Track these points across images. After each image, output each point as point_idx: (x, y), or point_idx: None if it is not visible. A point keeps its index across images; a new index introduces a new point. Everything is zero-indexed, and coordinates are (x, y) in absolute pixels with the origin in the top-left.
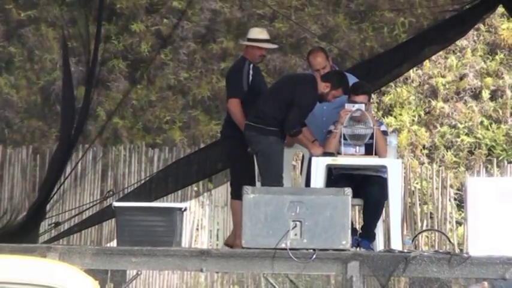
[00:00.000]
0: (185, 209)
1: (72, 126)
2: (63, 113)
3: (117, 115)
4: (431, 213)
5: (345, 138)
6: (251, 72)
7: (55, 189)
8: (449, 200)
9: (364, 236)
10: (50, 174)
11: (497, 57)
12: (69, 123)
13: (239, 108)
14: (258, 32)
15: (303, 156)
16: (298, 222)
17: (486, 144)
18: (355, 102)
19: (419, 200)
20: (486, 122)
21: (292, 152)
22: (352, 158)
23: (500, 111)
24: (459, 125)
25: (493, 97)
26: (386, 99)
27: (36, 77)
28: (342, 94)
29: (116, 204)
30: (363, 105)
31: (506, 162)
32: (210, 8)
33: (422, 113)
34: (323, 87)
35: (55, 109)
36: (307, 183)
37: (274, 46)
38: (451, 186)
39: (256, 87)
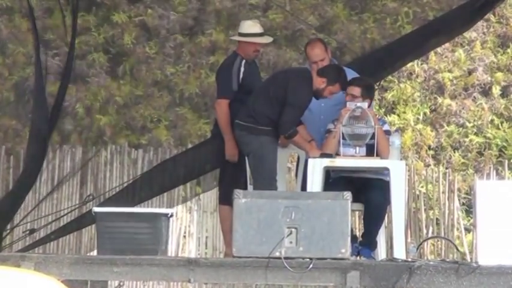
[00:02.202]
0: (171, 215)
1: (45, 125)
2: (34, 111)
3: (99, 113)
4: (437, 219)
5: (344, 138)
6: (242, 69)
7: (27, 195)
8: (457, 205)
9: (365, 243)
10: (23, 180)
11: (508, 50)
12: (41, 122)
13: (225, 110)
14: (250, 26)
15: (298, 157)
16: (293, 229)
17: (497, 145)
18: (350, 96)
19: (424, 205)
20: (497, 121)
21: (286, 153)
22: (352, 159)
23: None
24: (467, 123)
25: (504, 93)
26: (388, 95)
27: (9, 72)
28: (339, 90)
29: (97, 209)
30: (366, 103)
31: None
32: None
33: (427, 110)
34: (319, 82)
35: (30, 107)
36: (303, 186)
37: (269, 40)
38: (458, 190)
39: (248, 85)
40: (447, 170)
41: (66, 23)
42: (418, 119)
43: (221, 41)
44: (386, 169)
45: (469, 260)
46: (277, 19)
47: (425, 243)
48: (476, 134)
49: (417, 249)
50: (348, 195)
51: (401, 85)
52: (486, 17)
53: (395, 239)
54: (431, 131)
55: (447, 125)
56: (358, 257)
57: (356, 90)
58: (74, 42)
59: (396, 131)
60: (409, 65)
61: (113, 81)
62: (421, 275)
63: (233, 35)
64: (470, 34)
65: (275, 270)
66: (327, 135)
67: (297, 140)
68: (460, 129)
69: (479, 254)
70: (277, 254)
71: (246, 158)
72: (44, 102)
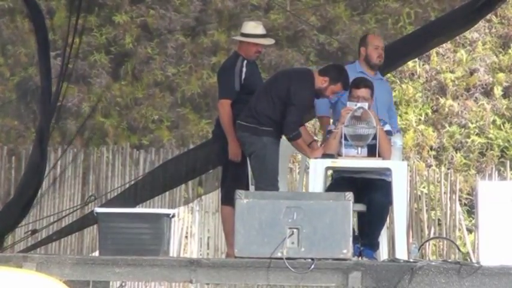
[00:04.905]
0: (173, 215)
1: (46, 124)
2: (41, 110)
3: (100, 113)
4: (439, 219)
5: (345, 139)
6: (244, 69)
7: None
8: (459, 205)
9: (367, 244)
10: (29, 180)
11: (510, 50)
12: (44, 121)
13: (228, 110)
14: (253, 27)
15: (301, 158)
16: (295, 230)
17: (498, 145)
18: (357, 98)
19: (426, 206)
20: (498, 121)
21: (288, 153)
22: (354, 160)
23: None
24: (469, 124)
25: (505, 94)
26: None
27: (11, 73)
28: (341, 89)
29: (98, 210)
30: (366, 103)
31: None
32: None
33: (429, 111)
34: (321, 81)
35: (32, 107)
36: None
37: (271, 42)
38: (460, 190)
39: (250, 85)
40: (449, 171)
41: (71, 23)
42: (420, 119)
43: (223, 42)
44: (388, 170)
45: (471, 261)
46: (278, 20)
47: (427, 243)
48: (478, 134)
49: (419, 249)
50: (349, 195)
51: (403, 86)
52: (488, 17)
53: (397, 240)
54: (433, 131)
55: (449, 126)
56: (360, 258)
57: (366, 92)
58: (73, 42)
59: (398, 131)
60: (410, 65)
61: (114, 82)
62: (423, 275)
63: (235, 36)
64: (472, 35)
65: (277, 271)
66: (328, 136)
67: (299, 143)
68: (462, 129)
69: (481, 254)
70: (279, 254)
71: (248, 158)
72: (50, 109)
